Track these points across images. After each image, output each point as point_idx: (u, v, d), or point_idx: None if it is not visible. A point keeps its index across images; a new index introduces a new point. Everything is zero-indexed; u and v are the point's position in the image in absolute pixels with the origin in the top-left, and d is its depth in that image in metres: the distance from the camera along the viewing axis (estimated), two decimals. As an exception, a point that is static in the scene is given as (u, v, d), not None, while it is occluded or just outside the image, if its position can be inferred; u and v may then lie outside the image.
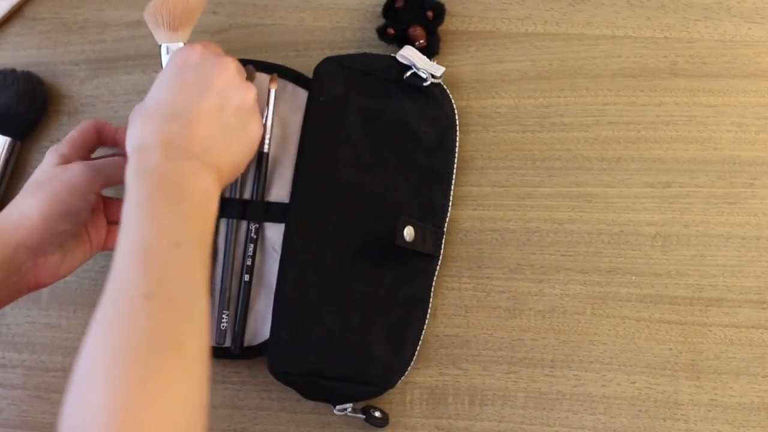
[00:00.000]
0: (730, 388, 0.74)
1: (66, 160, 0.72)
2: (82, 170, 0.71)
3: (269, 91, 0.79)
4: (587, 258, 0.76)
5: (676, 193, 0.77)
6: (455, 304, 0.77)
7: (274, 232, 0.78)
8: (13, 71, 0.84)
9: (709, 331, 0.75)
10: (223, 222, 0.79)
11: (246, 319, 0.78)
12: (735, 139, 0.77)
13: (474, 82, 0.80)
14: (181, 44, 0.77)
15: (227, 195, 0.79)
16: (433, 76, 0.77)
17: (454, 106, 0.79)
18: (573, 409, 0.75)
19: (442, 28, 0.81)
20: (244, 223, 0.78)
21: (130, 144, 0.65)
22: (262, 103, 0.79)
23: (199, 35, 0.84)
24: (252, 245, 0.78)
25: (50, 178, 0.70)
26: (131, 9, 0.86)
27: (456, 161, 0.78)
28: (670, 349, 0.75)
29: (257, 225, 0.78)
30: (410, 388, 0.77)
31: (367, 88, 0.78)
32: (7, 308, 0.80)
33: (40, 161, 0.83)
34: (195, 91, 0.68)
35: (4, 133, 0.83)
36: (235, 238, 0.79)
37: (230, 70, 0.70)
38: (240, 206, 0.78)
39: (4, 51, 0.87)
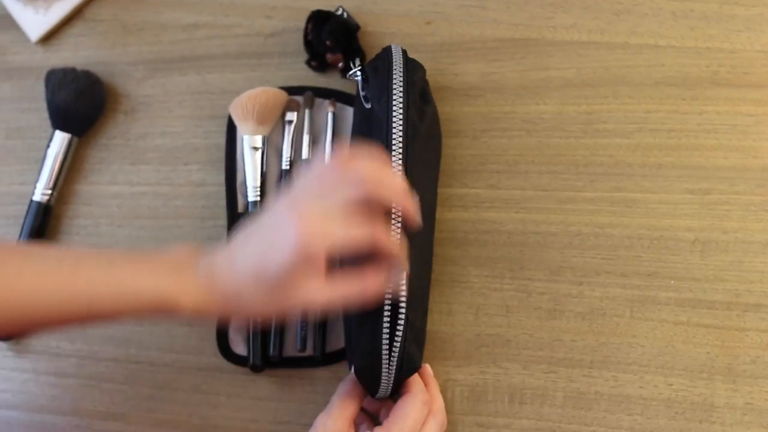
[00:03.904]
0: (766, 392, 0.74)
1: None
2: None
3: (328, 113, 0.83)
4: (627, 262, 0.77)
5: (715, 199, 0.77)
6: (497, 304, 0.78)
7: None
8: (73, 70, 0.86)
9: (746, 335, 0.75)
10: None
11: (325, 326, 0.80)
12: (775, 148, 0.78)
13: (519, 88, 0.82)
14: (259, 138, 0.82)
15: None
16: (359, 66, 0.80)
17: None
18: (610, 409, 0.75)
19: (489, 35, 0.83)
20: None
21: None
22: (322, 125, 0.83)
23: (252, 38, 0.86)
24: None
25: None
26: (187, 12, 0.88)
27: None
28: (708, 352, 0.75)
29: None
30: (451, 386, 0.78)
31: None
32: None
33: (97, 157, 0.86)
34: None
35: (64, 130, 0.85)
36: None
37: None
38: None
39: (65, 51, 0.89)
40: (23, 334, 0.64)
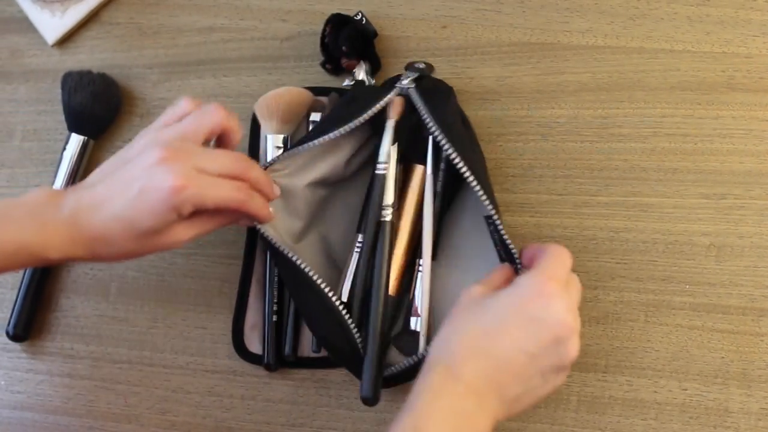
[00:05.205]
0: (781, 397, 0.74)
1: None
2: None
3: None
4: (642, 266, 0.78)
5: (731, 204, 0.77)
6: (511, 308, 0.78)
7: None
8: (89, 73, 0.86)
9: (761, 340, 0.75)
10: None
11: None
12: (791, 153, 0.78)
13: (534, 92, 0.82)
14: (281, 138, 0.82)
15: None
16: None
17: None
18: (624, 414, 0.75)
19: (505, 39, 0.83)
20: None
21: (438, 349, 0.64)
22: None
23: (268, 41, 0.87)
24: None
25: None
26: (204, 15, 0.88)
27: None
28: (722, 357, 0.75)
29: None
30: (465, 389, 0.78)
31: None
32: (76, 301, 0.84)
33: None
34: (524, 339, 0.62)
35: (79, 132, 0.85)
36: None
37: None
38: None
39: (81, 53, 0.90)
40: None
